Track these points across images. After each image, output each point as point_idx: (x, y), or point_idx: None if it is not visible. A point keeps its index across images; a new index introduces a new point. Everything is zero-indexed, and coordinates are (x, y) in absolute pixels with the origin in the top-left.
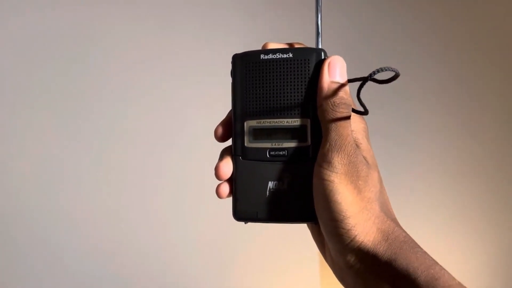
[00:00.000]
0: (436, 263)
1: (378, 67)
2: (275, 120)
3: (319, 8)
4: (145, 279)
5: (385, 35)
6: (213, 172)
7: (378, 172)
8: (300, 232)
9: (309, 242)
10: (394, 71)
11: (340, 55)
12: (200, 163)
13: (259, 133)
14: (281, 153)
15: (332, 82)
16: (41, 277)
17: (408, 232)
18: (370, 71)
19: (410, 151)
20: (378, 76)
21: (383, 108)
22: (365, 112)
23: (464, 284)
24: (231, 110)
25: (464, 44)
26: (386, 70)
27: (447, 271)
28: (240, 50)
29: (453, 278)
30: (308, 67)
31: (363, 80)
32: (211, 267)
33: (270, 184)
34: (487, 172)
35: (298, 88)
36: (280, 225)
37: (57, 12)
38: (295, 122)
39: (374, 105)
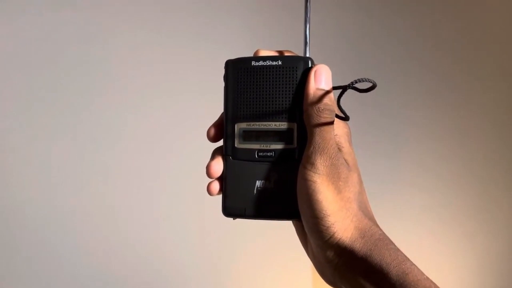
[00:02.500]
0: (407, 259)
1: (357, 78)
2: (264, 123)
3: (307, 19)
4: (139, 279)
5: (371, 42)
6: (205, 170)
7: (359, 174)
8: (294, 234)
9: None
10: (371, 82)
11: (326, 63)
12: (193, 162)
13: (249, 135)
14: (268, 154)
15: (318, 89)
16: (38, 276)
17: (400, 233)
18: (352, 80)
19: (399, 156)
20: (359, 86)
21: (372, 111)
22: (346, 118)
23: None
24: (223, 113)
25: (450, 48)
26: (364, 81)
27: (416, 267)
28: (234, 55)
29: (422, 273)
30: (296, 74)
31: (343, 89)
32: (204, 268)
33: (258, 183)
34: (476, 177)
35: (286, 94)
36: (274, 227)
37: (60, 13)
38: (282, 125)
39: (364, 107)
